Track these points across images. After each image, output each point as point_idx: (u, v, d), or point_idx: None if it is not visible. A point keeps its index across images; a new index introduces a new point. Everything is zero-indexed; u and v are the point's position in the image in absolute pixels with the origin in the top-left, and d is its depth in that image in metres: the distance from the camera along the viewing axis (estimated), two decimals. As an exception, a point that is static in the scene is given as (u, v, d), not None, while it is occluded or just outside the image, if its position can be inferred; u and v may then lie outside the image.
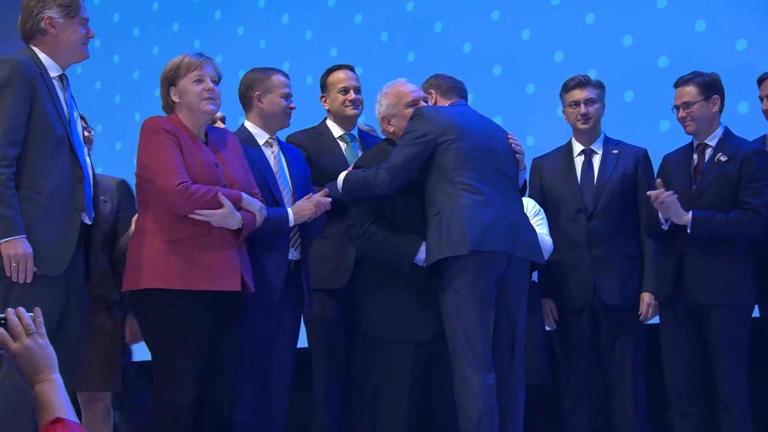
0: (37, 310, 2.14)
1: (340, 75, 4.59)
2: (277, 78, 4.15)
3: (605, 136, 4.62)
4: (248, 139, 4.10)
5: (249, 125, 4.18)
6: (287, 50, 6.48)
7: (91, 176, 3.59)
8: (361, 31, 6.28)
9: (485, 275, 3.81)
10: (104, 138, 6.52)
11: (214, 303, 3.58)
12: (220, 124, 4.31)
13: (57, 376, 2.08)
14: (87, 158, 3.61)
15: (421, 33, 5.99)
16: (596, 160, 4.56)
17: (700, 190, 4.23)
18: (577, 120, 4.54)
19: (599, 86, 4.56)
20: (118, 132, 6.86)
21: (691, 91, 4.27)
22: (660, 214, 4.20)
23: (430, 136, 3.92)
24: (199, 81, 3.67)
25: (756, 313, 4.33)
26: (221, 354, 3.65)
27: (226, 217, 3.58)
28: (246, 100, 4.18)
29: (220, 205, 3.57)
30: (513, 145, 4.15)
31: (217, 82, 3.72)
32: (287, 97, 4.16)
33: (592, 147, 4.59)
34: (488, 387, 3.73)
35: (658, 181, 4.17)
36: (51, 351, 2.10)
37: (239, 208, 3.65)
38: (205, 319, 3.57)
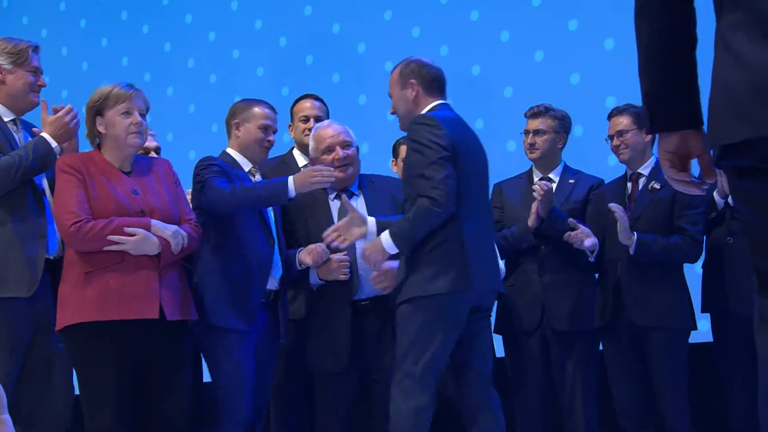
0: None
1: (303, 104, 4.71)
2: (259, 109, 4.12)
3: (565, 165, 4.64)
4: (232, 162, 4.08)
5: (230, 151, 4.13)
6: (262, 57, 6.39)
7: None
8: (339, 40, 6.17)
9: (466, 309, 3.70)
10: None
11: (136, 331, 3.53)
12: (153, 155, 4.25)
13: (6, 417, 2.01)
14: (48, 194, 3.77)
15: (399, 40, 5.90)
16: (552, 188, 4.51)
17: (634, 216, 4.30)
18: (526, 149, 4.61)
19: (556, 118, 4.55)
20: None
21: (625, 120, 4.36)
22: (586, 246, 4.26)
23: (450, 151, 3.67)
24: (127, 114, 3.66)
25: (708, 338, 4.44)
26: (160, 380, 3.61)
27: (141, 243, 3.54)
28: (227, 127, 4.16)
29: (125, 235, 3.53)
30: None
31: (144, 115, 3.71)
32: (266, 129, 4.09)
33: (549, 175, 4.62)
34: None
35: (570, 220, 4.28)
36: (1, 391, 2.03)
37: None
38: (127, 348, 3.52)
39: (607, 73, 5.24)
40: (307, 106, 4.69)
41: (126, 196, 3.62)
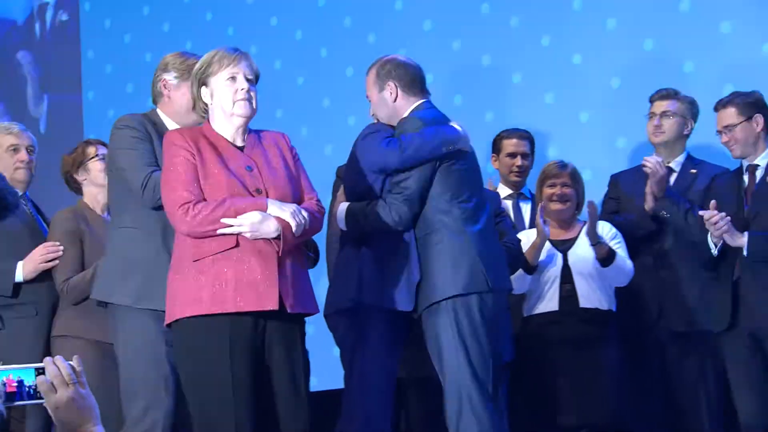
0: (77, 358, 2.07)
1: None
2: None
3: (688, 154, 4.49)
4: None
5: None
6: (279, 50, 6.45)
7: None
8: (350, 33, 6.25)
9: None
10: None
11: (252, 325, 3.20)
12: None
13: (100, 429, 2.00)
14: None
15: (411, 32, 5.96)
16: (672, 179, 4.41)
17: (753, 212, 4.03)
18: (650, 132, 4.45)
19: (686, 101, 4.42)
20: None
21: (730, 113, 4.09)
22: (710, 238, 4.01)
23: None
24: (232, 79, 3.30)
25: None
26: (277, 380, 3.25)
27: (257, 225, 3.17)
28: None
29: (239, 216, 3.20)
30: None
31: (253, 81, 3.34)
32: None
33: (670, 164, 4.45)
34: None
35: (713, 203, 3.97)
36: (93, 401, 2.01)
37: None
38: (243, 344, 3.18)
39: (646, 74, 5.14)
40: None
41: (239, 173, 3.26)
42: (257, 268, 3.17)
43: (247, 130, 3.38)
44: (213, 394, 3.16)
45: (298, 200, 3.32)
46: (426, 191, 3.64)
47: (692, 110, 4.43)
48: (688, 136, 4.47)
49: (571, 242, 4.43)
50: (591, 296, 4.33)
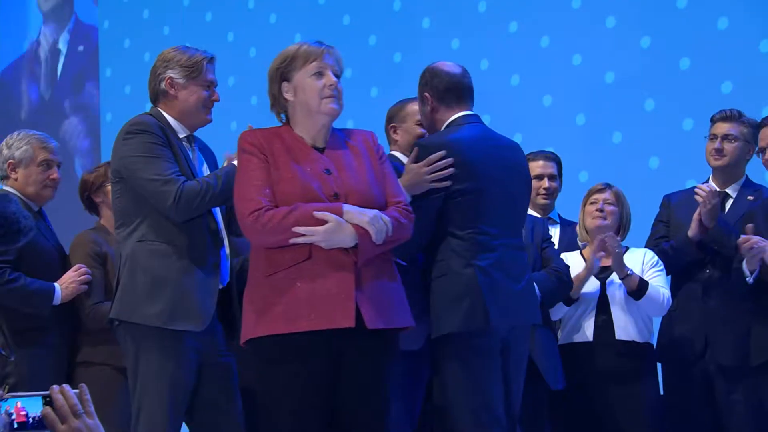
0: (83, 386, 2.00)
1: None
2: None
3: (746, 179, 4.28)
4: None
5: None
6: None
7: (225, 236, 3.49)
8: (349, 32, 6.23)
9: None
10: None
11: (328, 344, 2.95)
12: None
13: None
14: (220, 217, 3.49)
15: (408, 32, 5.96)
16: (728, 205, 4.24)
17: None
18: (710, 155, 4.23)
19: (750, 125, 4.20)
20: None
21: None
22: (745, 265, 3.86)
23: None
24: (319, 74, 3.06)
25: None
26: (354, 403, 3.02)
27: (333, 233, 2.91)
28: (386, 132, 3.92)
29: (313, 224, 2.93)
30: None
31: (339, 77, 3.11)
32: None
33: (726, 190, 4.27)
34: None
35: (749, 226, 3.85)
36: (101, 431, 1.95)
37: None
38: (319, 366, 2.96)
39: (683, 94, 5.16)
40: None
41: (316, 176, 3.01)
42: (332, 282, 2.92)
43: (331, 130, 3.15)
44: (284, 419, 2.96)
45: (382, 205, 3.05)
46: (433, 222, 3.38)
47: (755, 135, 4.17)
48: (748, 160, 4.26)
49: (610, 270, 4.22)
50: (628, 328, 4.16)
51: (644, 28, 5.35)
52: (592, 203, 4.28)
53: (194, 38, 6.43)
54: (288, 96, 3.09)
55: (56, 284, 3.91)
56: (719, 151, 4.16)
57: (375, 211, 2.96)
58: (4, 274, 3.79)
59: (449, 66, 3.57)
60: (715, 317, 4.08)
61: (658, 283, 4.15)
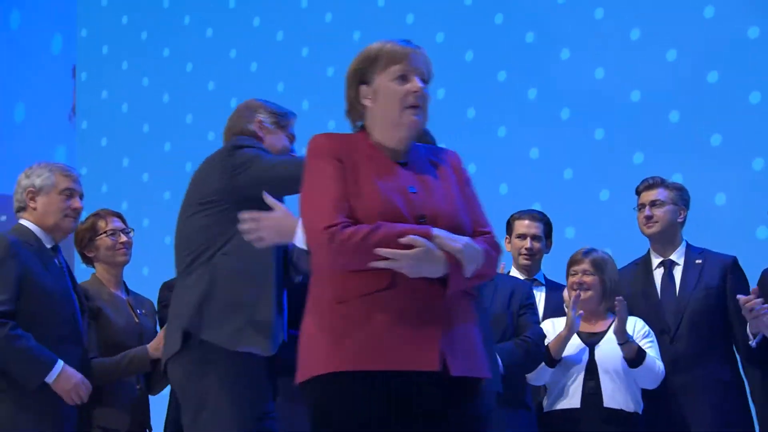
0: None
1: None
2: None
3: (687, 244, 4.31)
4: None
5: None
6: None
7: None
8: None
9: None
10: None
11: (405, 387, 2.50)
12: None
13: None
14: None
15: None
16: (677, 273, 4.26)
17: None
18: (641, 224, 4.29)
19: (674, 188, 4.28)
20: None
21: None
22: (748, 328, 3.84)
23: None
24: (403, 78, 2.64)
25: None
26: None
27: (421, 260, 2.47)
28: None
29: (398, 247, 2.48)
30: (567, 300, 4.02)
31: (427, 82, 2.68)
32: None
33: (671, 257, 4.28)
34: None
35: (754, 288, 3.83)
36: None
37: None
38: (396, 410, 2.50)
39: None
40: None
41: (400, 194, 2.58)
42: (415, 316, 2.50)
43: (412, 144, 2.73)
44: None
45: (468, 234, 2.62)
46: None
47: (683, 197, 4.26)
48: (682, 224, 4.30)
49: (599, 336, 4.19)
50: (617, 396, 4.10)
51: (633, 82, 5.40)
52: (572, 275, 4.26)
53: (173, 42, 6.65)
54: (366, 101, 2.68)
55: (60, 362, 3.60)
56: (650, 218, 4.23)
57: (467, 239, 2.55)
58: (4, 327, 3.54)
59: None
60: (685, 391, 4.10)
61: (652, 353, 4.12)
